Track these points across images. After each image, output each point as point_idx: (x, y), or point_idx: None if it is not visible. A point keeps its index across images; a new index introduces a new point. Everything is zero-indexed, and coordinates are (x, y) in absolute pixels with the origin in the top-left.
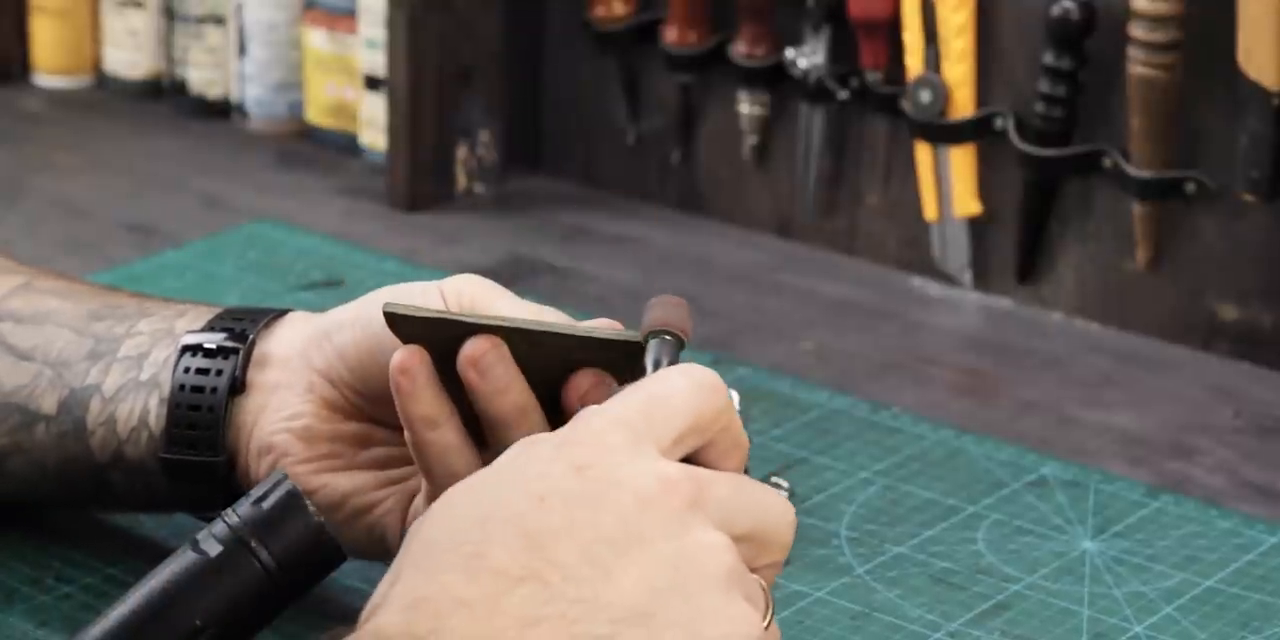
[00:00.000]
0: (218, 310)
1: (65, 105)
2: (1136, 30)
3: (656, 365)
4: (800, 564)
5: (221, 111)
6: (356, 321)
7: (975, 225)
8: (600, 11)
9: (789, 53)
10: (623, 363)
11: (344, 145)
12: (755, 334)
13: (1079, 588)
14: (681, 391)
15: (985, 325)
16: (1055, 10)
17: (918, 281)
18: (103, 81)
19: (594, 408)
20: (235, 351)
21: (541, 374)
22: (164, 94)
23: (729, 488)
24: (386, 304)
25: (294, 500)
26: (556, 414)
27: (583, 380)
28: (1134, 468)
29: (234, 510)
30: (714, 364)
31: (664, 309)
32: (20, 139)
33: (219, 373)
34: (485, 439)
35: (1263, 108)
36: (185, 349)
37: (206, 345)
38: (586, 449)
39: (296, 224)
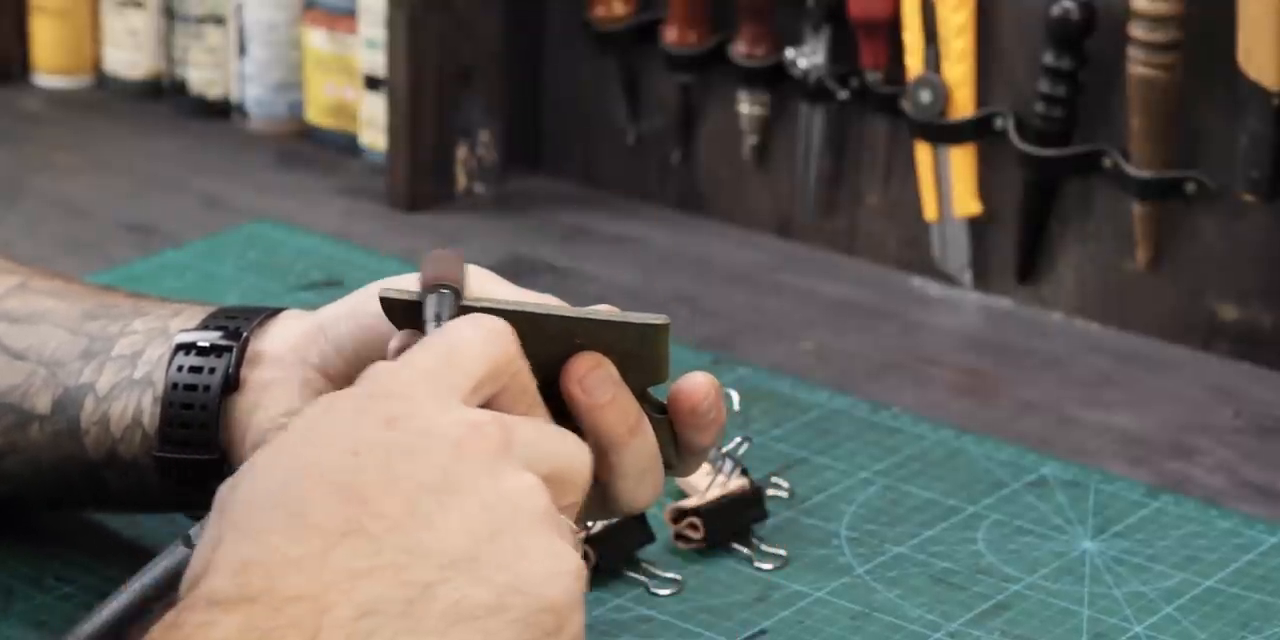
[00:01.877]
0: (213, 309)
1: (65, 105)
2: (1136, 30)
3: (438, 320)
4: (800, 564)
5: (221, 111)
6: (352, 315)
7: (975, 225)
8: (600, 11)
9: (789, 53)
10: (623, 345)
11: (344, 145)
12: (755, 334)
13: (1079, 588)
14: (474, 341)
15: (985, 325)
16: (1055, 10)
17: (918, 281)
18: (103, 81)
19: (388, 362)
20: (229, 349)
21: (541, 357)
22: (164, 94)
23: (531, 430)
24: (383, 289)
25: None
26: (556, 397)
27: (581, 363)
28: (1134, 468)
29: (191, 534)
30: (714, 364)
31: (437, 264)
32: (20, 139)
33: (212, 371)
34: None
35: (1263, 108)
36: (179, 347)
37: (200, 343)
38: (393, 402)
39: (296, 224)
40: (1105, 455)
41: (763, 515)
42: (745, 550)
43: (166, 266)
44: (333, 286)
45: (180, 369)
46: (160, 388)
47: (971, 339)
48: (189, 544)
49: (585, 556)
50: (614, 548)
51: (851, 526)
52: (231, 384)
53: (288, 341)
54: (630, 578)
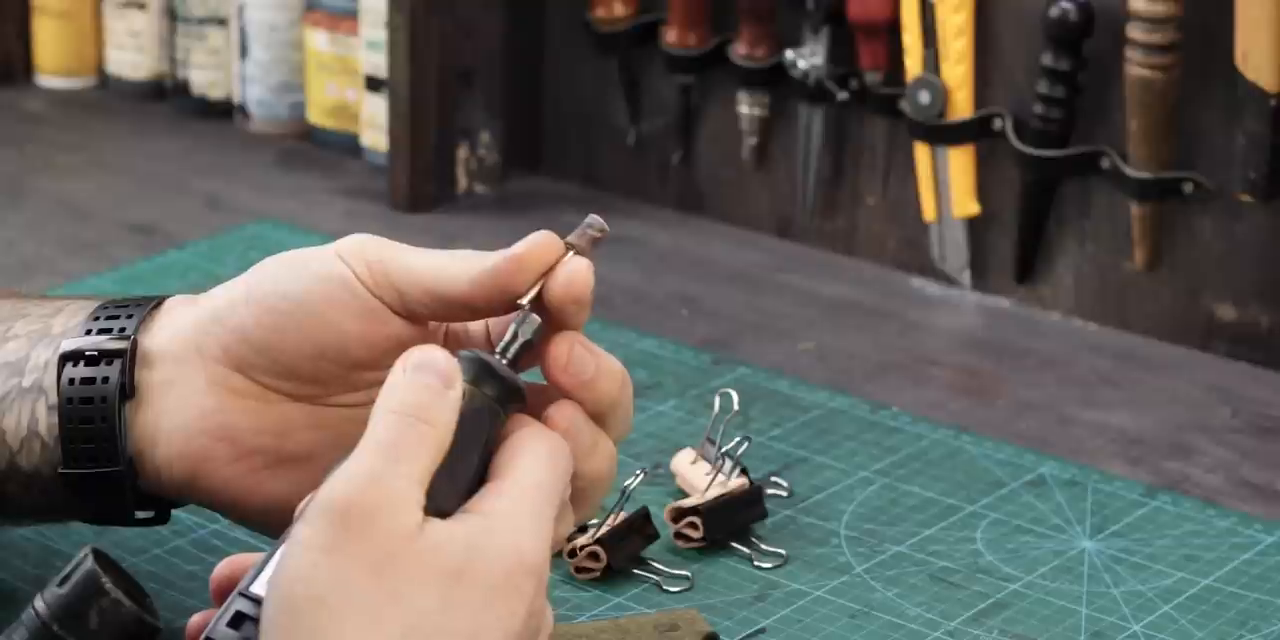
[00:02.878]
0: (95, 303)
1: (68, 106)
2: (1135, 32)
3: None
4: (800, 563)
5: (223, 112)
6: (250, 299)
7: (974, 226)
8: (601, 12)
9: (789, 54)
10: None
11: (345, 146)
12: (755, 334)
13: (1077, 587)
14: (549, 482)
15: (984, 325)
16: (1054, 12)
17: (917, 281)
18: (105, 82)
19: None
20: (119, 354)
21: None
22: (166, 95)
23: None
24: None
25: (92, 582)
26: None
27: (558, 349)
28: (1132, 467)
29: (42, 595)
30: (714, 364)
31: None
32: (23, 140)
33: (105, 380)
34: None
35: (1260, 109)
36: (65, 357)
37: (88, 352)
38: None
39: (298, 225)
40: (1103, 455)
41: (762, 514)
42: (745, 549)
43: (169, 267)
44: None
45: (71, 382)
46: (53, 396)
47: (970, 339)
48: (36, 609)
49: (595, 557)
50: (622, 548)
51: (850, 525)
52: (128, 391)
53: (179, 335)
54: (637, 576)
